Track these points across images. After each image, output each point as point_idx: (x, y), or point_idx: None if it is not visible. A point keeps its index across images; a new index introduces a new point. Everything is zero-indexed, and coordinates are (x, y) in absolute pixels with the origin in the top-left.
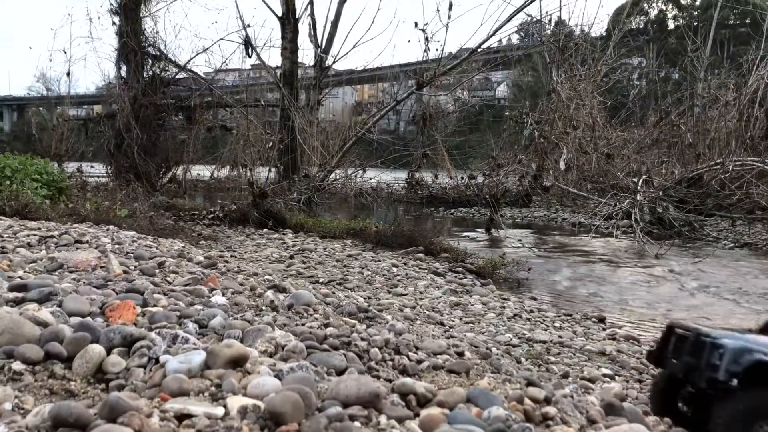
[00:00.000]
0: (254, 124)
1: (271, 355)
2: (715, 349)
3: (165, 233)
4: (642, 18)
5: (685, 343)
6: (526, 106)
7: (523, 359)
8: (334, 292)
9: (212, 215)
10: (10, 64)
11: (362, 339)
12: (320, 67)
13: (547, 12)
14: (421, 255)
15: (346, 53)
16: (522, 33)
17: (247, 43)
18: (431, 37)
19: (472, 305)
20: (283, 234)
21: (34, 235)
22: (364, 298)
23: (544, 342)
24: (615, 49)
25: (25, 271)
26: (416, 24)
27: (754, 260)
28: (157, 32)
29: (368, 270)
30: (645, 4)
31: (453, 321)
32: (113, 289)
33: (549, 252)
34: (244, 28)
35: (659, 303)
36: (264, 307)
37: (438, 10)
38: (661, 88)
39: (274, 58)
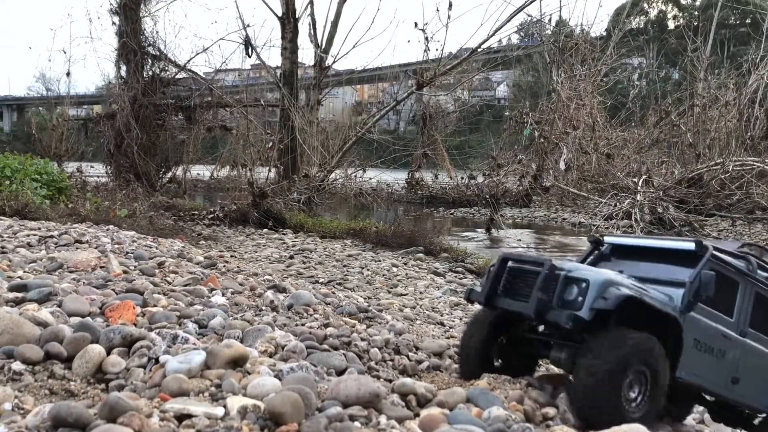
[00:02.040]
0: (254, 124)
1: (271, 355)
2: (573, 283)
3: (165, 233)
4: (642, 18)
5: (532, 277)
6: (526, 106)
7: None
8: (334, 292)
9: (212, 215)
10: (10, 64)
11: (362, 339)
12: (320, 67)
13: (546, 12)
14: (421, 255)
15: (346, 53)
16: (522, 33)
17: (247, 43)
18: (431, 37)
19: (473, 305)
20: (283, 234)
21: (34, 235)
22: (364, 298)
23: None
24: (615, 49)
25: (25, 271)
26: (416, 24)
27: None
28: (157, 32)
29: (368, 270)
30: (645, 4)
31: (453, 321)
32: (113, 289)
33: (549, 252)
34: (244, 28)
35: None
36: (264, 307)
37: (438, 10)
38: (661, 88)
39: (274, 58)
